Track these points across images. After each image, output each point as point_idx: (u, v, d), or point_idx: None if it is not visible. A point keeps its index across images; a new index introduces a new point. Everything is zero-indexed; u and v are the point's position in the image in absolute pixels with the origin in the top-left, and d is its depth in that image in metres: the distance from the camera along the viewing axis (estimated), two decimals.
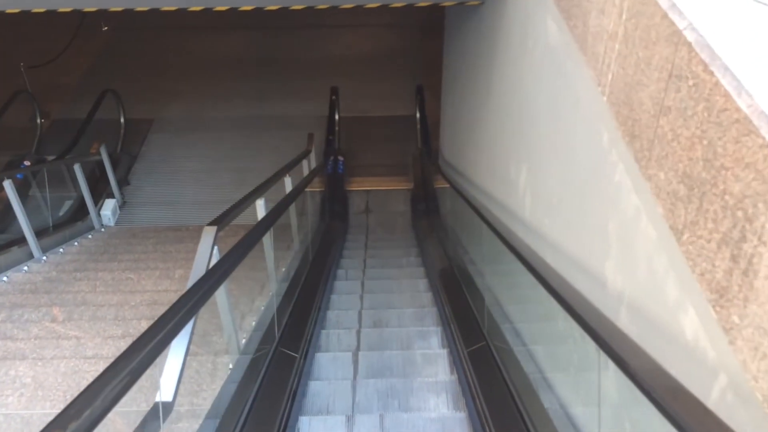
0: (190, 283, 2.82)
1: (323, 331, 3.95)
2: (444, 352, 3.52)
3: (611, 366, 1.59)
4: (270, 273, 4.46)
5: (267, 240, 4.32)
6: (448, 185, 5.45)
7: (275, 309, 3.54)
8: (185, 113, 9.52)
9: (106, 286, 5.05)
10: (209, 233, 3.02)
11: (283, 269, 4.78)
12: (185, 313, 2.20)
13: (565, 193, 2.49)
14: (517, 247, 2.69)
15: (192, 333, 2.65)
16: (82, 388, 1.61)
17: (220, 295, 3.13)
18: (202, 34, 11.58)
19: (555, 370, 2.50)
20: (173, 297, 4.70)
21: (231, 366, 3.31)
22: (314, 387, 3.24)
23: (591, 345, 1.71)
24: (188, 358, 3.71)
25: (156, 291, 4.88)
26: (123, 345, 4.00)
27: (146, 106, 9.54)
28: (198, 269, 2.87)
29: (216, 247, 3.05)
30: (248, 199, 3.80)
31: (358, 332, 3.91)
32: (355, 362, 3.54)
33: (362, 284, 5.04)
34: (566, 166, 2.48)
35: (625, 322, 1.91)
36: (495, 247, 3.19)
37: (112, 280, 5.20)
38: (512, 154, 3.47)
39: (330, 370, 3.49)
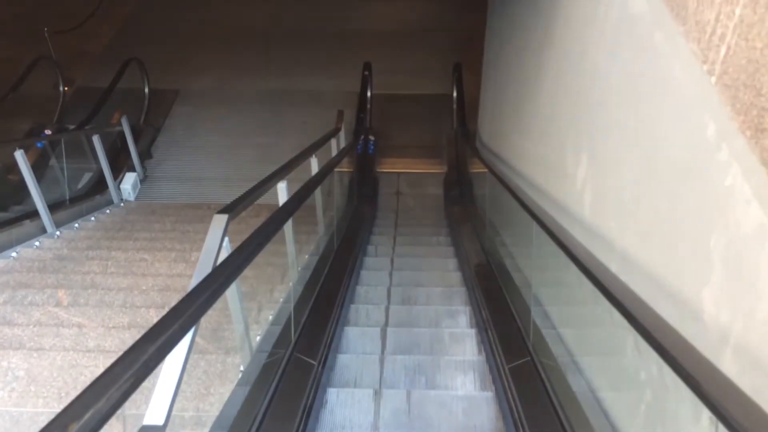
0: (194, 282, 2.46)
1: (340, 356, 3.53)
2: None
3: None
4: (291, 264, 4.11)
5: (288, 229, 3.96)
6: (485, 170, 5.01)
7: (292, 307, 3.17)
8: (211, 86, 9.17)
9: (118, 267, 4.75)
10: (219, 222, 2.65)
11: (306, 257, 4.42)
12: (184, 321, 1.83)
13: (644, 193, 2.05)
14: (580, 256, 2.25)
15: (193, 342, 2.28)
16: (78, 385, 1.31)
17: (232, 294, 2.77)
18: (231, 4, 11.20)
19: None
20: (186, 283, 4.37)
21: (242, 368, 2.96)
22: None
23: (697, 406, 1.29)
24: (197, 356, 3.39)
25: (169, 275, 4.56)
26: (127, 337, 3.69)
27: (172, 77, 9.21)
28: (204, 265, 2.50)
29: (227, 239, 2.68)
30: (267, 183, 3.41)
31: (381, 357, 3.39)
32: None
33: (390, 275, 4.67)
34: (647, 161, 2.04)
35: (731, 369, 1.49)
36: (547, 251, 2.78)
37: (125, 261, 4.89)
38: (569, 142, 3.02)
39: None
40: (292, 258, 4.15)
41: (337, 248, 4.73)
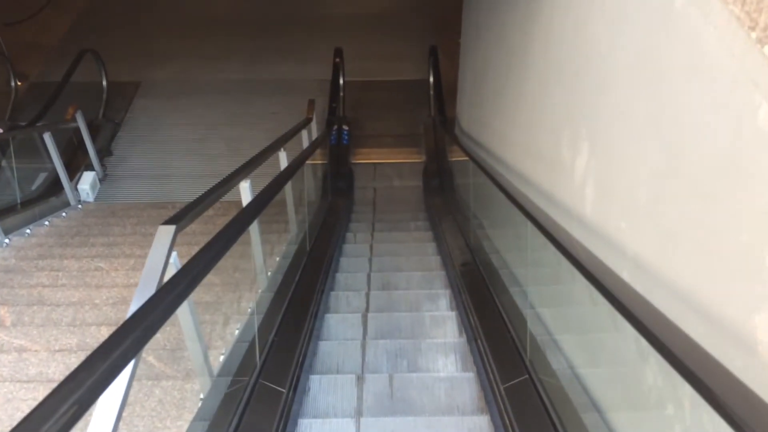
0: (133, 306, 2.08)
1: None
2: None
3: None
4: (258, 269, 3.74)
5: (254, 232, 3.59)
6: (466, 158, 4.67)
7: (256, 328, 2.80)
8: (175, 76, 8.70)
9: (69, 277, 4.34)
10: (164, 235, 2.27)
11: (276, 260, 4.05)
12: (119, 355, 1.46)
13: (667, 191, 1.72)
14: (587, 264, 1.91)
15: (132, 378, 1.91)
16: (14, 423, 0.98)
17: (184, 316, 2.40)
18: None
19: None
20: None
21: (202, 396, 2.60)
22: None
23: None
24: (151, 383, 3.01)
25: (126, 286, 4.16)
26: (73, 361, 3.28)
27: (133, 69, 8.72)
28: (146, 286, 2.12)
29: (175, 254, 2.30)
30: (226, 184, 3.02)
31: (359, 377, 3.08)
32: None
33: (368, 276, 4.32)
34: (670, 153, 1.70)
35: None
36: (543, 254, 2.44)
37: (78, 271, 4.48)
38: (564, 130, 2.68)
39: None
40: (259, 263, 3.77)
41: (311, 249, 4.36)
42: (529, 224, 2.45)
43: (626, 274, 1.98)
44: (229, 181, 3.15)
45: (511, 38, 3.74)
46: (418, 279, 4.06)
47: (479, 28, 5.07)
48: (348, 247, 4.82)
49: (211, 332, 3.22)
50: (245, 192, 3.53)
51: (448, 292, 3.88)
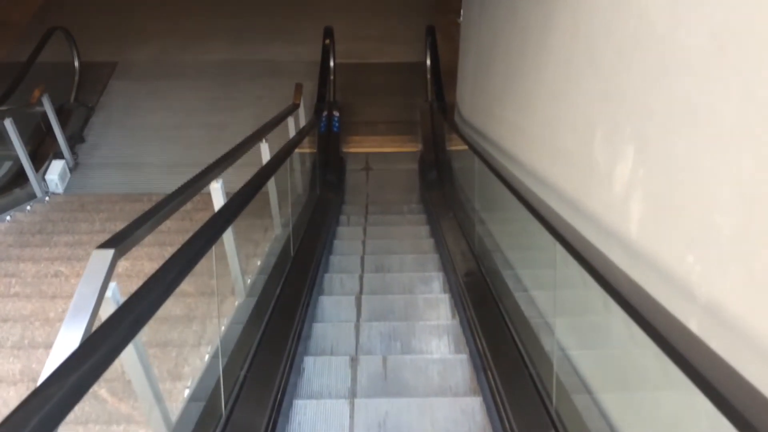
0: (45, 371, 1.61)
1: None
2: None
3: None
4: (234, 279, 3.27)
5: (228, 241, 3.11)
6: (465, 148, 4.19)
7: (221, 371, 2.33)
8: (155, 56, 8.14)
9: (23, 285, 3.85)
10: (100, 262, 1.78)
11: (256, 269, 3.59)
12: None
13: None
14: (637, 304, 1.45)
15: None
16: None
17: (132, 363, 1.91)
18: None
19: None
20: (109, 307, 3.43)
21: None
22: None
23: None
24: None
25: None
26: (12, 396, 2.79)
27: (109, 48, 8.15)
28: (72, 328, 1.65)
29: (114, 285, 1.82)
30: (190, 187, 2.53)
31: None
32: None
33: (360, 279, 3.86)
34: None
35: None
36: (570, 275, 1.97)
37: (34, 277, 3.99)
38: (598, 125, 2.20)
39: None
40: (235, 273, 3.31)
41: (295, 255, 3.89)
42: (558, 246, 1.98)
43: (695, 325, 1.52)
44: (194, 184, 2.66)
45: (526, 14, 3.25)
46: (422, 304, 3.58)
47: (484, 4, 4.56)
48: (337, 243, 4.34)
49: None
50: (217, 194, 3.05)
51: (447, 297, 3.43)
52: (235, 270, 3.25)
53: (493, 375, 2.50)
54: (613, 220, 2.04)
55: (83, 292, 1.73)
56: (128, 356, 1.88)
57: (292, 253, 3.81)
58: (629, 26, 1.92)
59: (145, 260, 4.24)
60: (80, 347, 1.34)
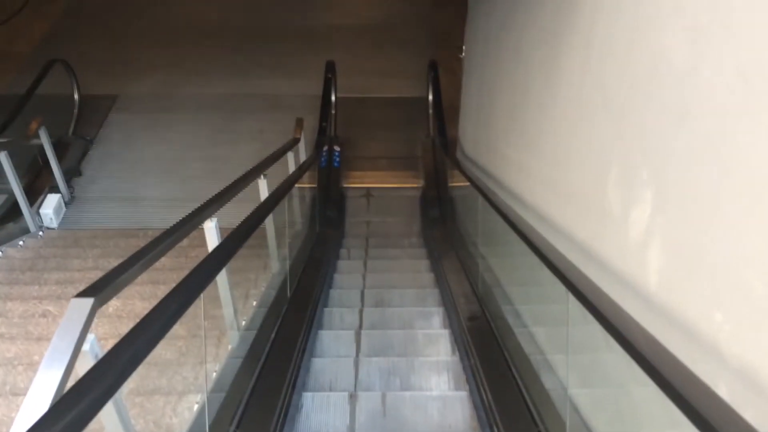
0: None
1: None
2: None
3: None
4: (230, 326, 3.13)
5: (222, 283, 2.98)
6: (469, 185, 4.08)
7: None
8: (156, 89, 8.10)
9: (9, 325, 3.71)
10: (78, 312, 1.65)
11: (251, 313, 3.45)
12: None
13: None
14: (660, 366, 1.31)
15: None
16: None
17: (109, 421, 1.77)
18: None
19: None
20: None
21: None
22: None
23: None
24: None
25: None
26: None
27: (110, 80, 8.12)
28: (46, 384, 1.52)
29: (93, 337, 1.68)
30: (181, 228, 2.41)
31: None
32: None
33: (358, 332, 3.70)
34: None
35: None
36: (586, 329, 1.84)
37: (21, 317, 3.85)
38: (611, 166, 2.08)
39: None
40: (229, 317, 3.17)
41: (292, 295, 3.75)
42: (571, 296, 1.84)
43: (725, 390, 1.38)
44: (186, 224, 2.54)
45: (532, 51, 3.16)
46: (422, 339, 3.43)
47: (488, 40, 4.50)
48: (334, 294, 4.18)
49: None
50: (211, 233, 2.93)
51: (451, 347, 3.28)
52: (229, 313, 3.12)
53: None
54: (630, 268, 1.91)
55: (58, 345, 1.60)
56: (106, 415, 1.74)
57: (289, 294, 3.68)
58: (646, 63, 1.82)
59: (137, 299, 4.10)
60: (47, 414, 1.21)
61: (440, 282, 4.15)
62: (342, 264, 4.84)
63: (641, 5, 1.87)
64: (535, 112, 3.08)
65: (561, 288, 1.89)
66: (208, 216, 2.86)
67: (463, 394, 2.79)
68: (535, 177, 3.02)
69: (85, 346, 1.64)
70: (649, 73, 1.80)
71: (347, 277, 4.54)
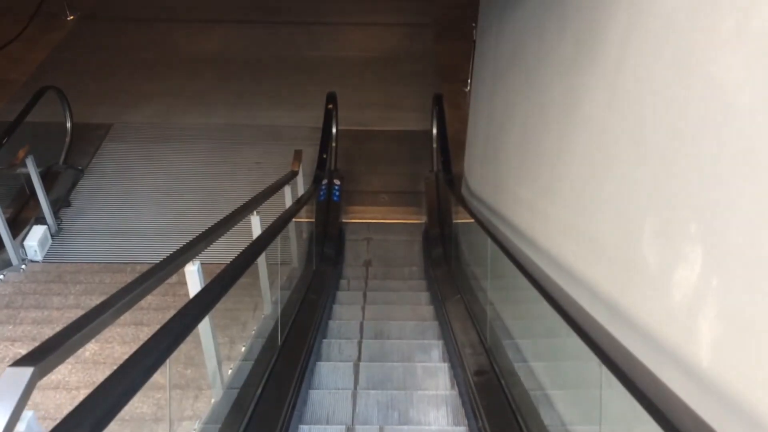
0: None
1: None
2: None
3: None
4: (213, 379, 2.85)
5: (205, 331, 2.70)
6: (476, 225, 3.81)
7: None
8: (152, 119, 7.88)
9: None
10: (13, 384, 1.36)
11: (236, 364, 3.15)
12: None
13: None
14: None
15: None
16: None
17: None
18: (181, 27, 10.02)
19: None
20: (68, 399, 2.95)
21: None
22: None
23: None
24: None
25: (43, 388, 3.22)
26: None
27: (106, 109, 7.91)
28: None
29: (31, 414, 1.40)
30: (151, 277, 2.13)
31: None
32: None
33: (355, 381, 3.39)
34: None
35: None
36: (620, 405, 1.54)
37: None
38: (647, 217, 1.81)
39: None
40: (212, 369, 2.88)
41: (283, 343, 3.45)
42: (604, 368, 1.56)
43: None
44: (164, 268, 2.26)
45: (549, 85, 2.92)
46: (427, 401, 3.12)
47: (497, 73, 4.27)
48: (324, 348, 3.87)
49: None
50: (192, 278, 2.66)
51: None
52: (213, 365, 2.83)
53: None
54: (672, 337, 1.63)
55: None
56: None
57: (279, 342, 3.38)
58: (698, 98, 1.56)
59: (116, 343, 3.81)
60: None
61: (444, 330, 3.86)
62: (337, 309, 4.54)
63: (688, 36, 1.62)
64: (553, 152, 2.83)
65: (590, 356, 1.61)
66: (190, 259, 2.59)
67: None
68: (554, 223, 2.75)
69: (20, 426, 1.35)
70: (698, 108, 1.54)
71: (345, 324, 4.24)
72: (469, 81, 8.76)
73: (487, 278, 3.50)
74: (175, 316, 1.96)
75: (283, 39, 9.85)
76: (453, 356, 3.52)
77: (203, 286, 2.66)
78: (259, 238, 3.34)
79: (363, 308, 4.64)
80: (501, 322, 3.25)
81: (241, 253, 2.81)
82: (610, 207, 2.09)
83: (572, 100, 2.54)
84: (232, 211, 3.38)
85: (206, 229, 2.86)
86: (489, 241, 3.27)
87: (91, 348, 3.75)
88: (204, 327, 2.69)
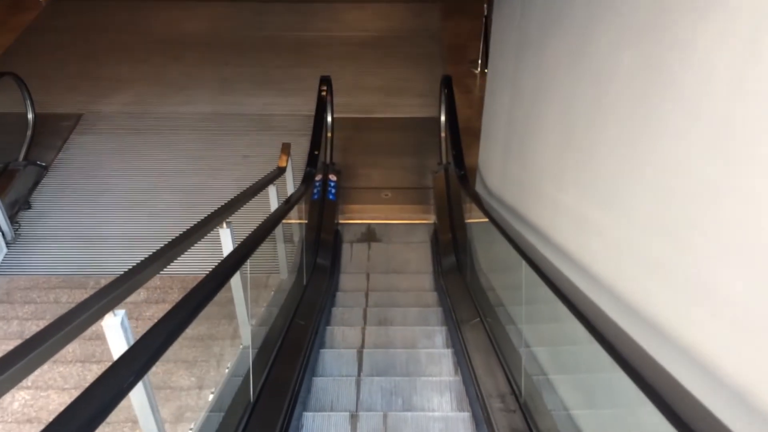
0: None
1: None
2: None
3: None
4: None
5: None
6: (490, 224, 3.06)
7: None
8: (127, 108, 7.10)
9: None
10: None
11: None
12: None
13: None
14: None
15: None
16: None
17: None
18: (162, 7, 9.19)
19: None
20: None
21: None
22: None
23: None
24: None
25: None
26: None
27: (75, 97, 7.15)
28: None
29: None
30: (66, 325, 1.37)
31: None
32: None
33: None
34: None
35: None
36: None
37: None
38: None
39: None
40: None
41: (262, 386, 2.69)
42: None
43: None
44: (80, 314, 1.50)
45: (613, 55, 2.12)
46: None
47: (526, 45, 3.47)
48: (318, 380, 3.12)
49: None
50: (112, 334, 1.90)
51: None
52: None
53: None
54: None
55: None
56: None
57: (260, 385, 2.62)
58: None
59: (53, 391, 3.06)
60: None
61: (463, 370, 3.10)
62: (331, 330, 3.79)
63: None
64: (612, 149, 2.04)
65: None
66: (111, 308, 1.83)
67: None
68: (618, 245, 1.97)
69: None
70: None
71: (341, 352, 3.48)
72: (479, 62, 7.96)
73: (520, 309, 2.72)
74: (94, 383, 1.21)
75: (276, 18, 9.05)
76: (474, 404, 2.78)
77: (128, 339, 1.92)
78: (240, 247, 2.58)
79: (363, 330, 3.89)
80: (539, 369, 2.49)
81: (196, 286, 2.04)
82: (723, 234, 1.31)
83: (654, 71, 1.76)
84: (192, 226, 2.61)
85: (130, 269, 2.04)
86: (523, 263, 2.49)
87: (21, 396, 3.00)
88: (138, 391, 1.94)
